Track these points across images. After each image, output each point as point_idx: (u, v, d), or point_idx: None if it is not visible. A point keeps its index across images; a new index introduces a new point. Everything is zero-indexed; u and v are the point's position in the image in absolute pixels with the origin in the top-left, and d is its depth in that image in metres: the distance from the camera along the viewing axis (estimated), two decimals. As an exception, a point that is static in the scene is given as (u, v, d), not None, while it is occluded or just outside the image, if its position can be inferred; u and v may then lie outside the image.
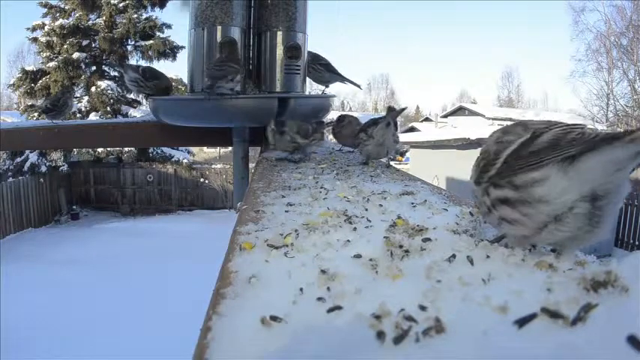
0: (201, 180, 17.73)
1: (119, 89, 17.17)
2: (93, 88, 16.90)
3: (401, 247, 0.81)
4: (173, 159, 17.55)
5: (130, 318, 7.00)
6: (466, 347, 0.49)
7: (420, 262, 0.75)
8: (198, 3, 2.85)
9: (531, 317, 0.53)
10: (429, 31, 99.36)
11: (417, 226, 0.95)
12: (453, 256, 0.76)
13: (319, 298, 0.62)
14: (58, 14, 17.50)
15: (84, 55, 17.05)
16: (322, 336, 0.52)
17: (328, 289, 0.65)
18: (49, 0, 17.61)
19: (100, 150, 16.94)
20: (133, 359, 5.63)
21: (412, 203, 1.22)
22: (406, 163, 19.47)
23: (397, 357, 0.49)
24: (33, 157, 15.67)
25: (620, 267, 0.59)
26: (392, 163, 2.20)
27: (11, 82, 17.77)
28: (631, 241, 11.49)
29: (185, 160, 17.66)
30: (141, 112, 16.24)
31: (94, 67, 17.57)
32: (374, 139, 2.04)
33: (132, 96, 17.31)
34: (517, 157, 0.77)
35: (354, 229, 0.95)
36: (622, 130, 0.69)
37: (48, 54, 17.23)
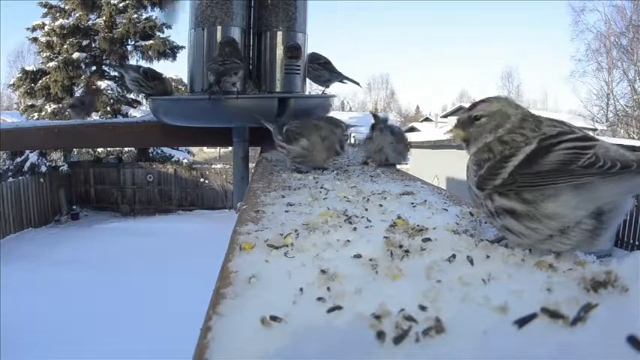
0: (201, 180, 17.73)
1: (119, 89, 17.18)
2: (93, 88, 16.89)
3: (401, 247, 0.81)
4: (173, 159, 17.55)
5: (130, 318, 7.00)
6: (466, 347, 0.49)
7: (420, 262, 0.75)
8: (198, 3, 2.84)
9: (531, 317, 0.53)
10: (429, 31, 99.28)
11: (417, 226, 0.95)
12: (453, 256, 0.76)
13: (319, 298, 0.62)
14: (58, 14, 17.52)
15: (84, 55, 17.07)
16: (322, 336, 0.52)
17: (328, 289, 0.65)
18: (49, 0, 17.62)
19: (100, 150, 16.94)
20: (132, 359, 5.63)
21: (412, 203, 1.22)
22: (406, 163, 19.46)
23: (397, 357, 0.49)
24: (33, 157, 15.68)
25: (620, 267, 0.60)
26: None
27: (11, 82, 17.80)
28: (631, 241, 11.48)
29: (185, 160, 17.67)
30: (141, 112, 16.25)
31: (94, 67, 17.58)
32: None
33: (132, 96, 17.31)
34: (524, 174, 0.77)
35: (354, 229, 0.95)
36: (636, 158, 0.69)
37: (48, 54, 17.24)
